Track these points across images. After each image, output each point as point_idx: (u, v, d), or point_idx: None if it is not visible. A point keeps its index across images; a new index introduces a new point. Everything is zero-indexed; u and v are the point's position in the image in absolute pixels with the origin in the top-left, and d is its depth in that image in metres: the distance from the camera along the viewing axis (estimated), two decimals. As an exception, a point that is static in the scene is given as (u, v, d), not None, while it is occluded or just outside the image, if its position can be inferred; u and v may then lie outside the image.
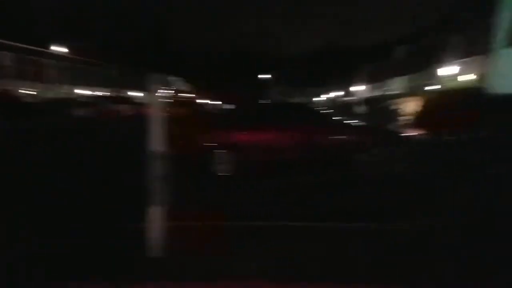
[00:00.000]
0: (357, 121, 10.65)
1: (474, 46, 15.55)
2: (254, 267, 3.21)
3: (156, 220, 3.34)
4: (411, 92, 19.04)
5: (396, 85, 27.46)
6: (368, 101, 22.49)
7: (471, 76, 16.66)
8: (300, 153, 6.99)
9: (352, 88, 43.02)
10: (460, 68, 17.30)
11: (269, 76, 49.44)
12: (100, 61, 40.27)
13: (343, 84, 45.95)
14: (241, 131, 7.40)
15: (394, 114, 16.73)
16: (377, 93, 33.45)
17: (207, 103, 40.30)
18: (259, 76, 54.46)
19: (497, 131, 8.70)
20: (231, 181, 6.70)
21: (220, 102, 37.19)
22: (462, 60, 16.60)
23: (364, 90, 39.89)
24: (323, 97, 51.27)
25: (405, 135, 7.61)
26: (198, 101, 28.68)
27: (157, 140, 3.30)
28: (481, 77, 15.85)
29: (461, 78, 17.02)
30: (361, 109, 20.55)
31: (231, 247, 3.53)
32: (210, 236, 3.87)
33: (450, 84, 13.77)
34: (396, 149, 7.19)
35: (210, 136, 7.58)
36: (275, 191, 5.73)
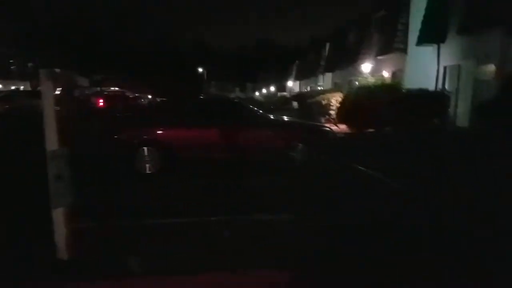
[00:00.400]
0: (286, 117, 10.85)
1: (392, 44, 16.76)
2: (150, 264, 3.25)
3: (59, 222, 3.09)
4: (337, 88, 20.02)
5: (326, 80, 28.72)
6: (298, 97, 23.26)
7: (389, 73, 17.98)
8: (225, 150, 6.97)
9: (287, 84, 44.30)
10: (379, 65, 18.56)
11: (202, 70, 48.82)
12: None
13: (279, 80, 47.06)
14: (164, 126, 7.18)
15: (320, 109, 17.52)
16: (309, 88, 34.77)
17: (139, 97, 38.79)
18: (195, 70, 53.64)
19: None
20: (152, 179, 6.57)
21: (152, 97, 36.05)
22: (382, 56, 17.80)
23: (297, 85, 41.24)
24: (261, 92, 52.12)
25: (327, 130, 7.86)
26: (130, 95, 27.37)
27: (52, 138, 3.04)
28: (397, 73, 17.20)
29: (380, 74, 18.28)
30: (292, 104, 21.08)
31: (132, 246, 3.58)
32: (115, 236, 3.80)
33: (369, 80, 14.71)
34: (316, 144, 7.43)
35: (133, 132, 7.27)
36: (196, 189, 5.70)
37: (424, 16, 14.03)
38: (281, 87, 46.52)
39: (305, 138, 7.34)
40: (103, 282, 3.00)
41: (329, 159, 7.00)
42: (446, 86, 14.20)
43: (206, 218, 4.30)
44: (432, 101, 10.44)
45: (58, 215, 3.09)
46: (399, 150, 7.97)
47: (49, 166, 3.03)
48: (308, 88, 34.99)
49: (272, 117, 7.96)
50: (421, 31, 14.25)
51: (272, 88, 49.33)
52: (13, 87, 35.65)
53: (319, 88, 28.82)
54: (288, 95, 33.06)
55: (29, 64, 41.81)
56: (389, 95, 11.76)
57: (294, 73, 41.47)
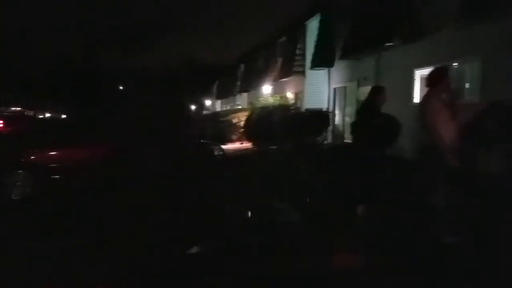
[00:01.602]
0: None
1: (292, 67, 18.12)
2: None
3: None
4: (247, 108, 20.95)
5: (241, 100, 29.75)
6: (212, 116, 23.83)
7: (293, 94, 19.34)
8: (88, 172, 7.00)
9: (210, 103, 44.86)
10: (284, 86, 19.87)
11: (123, 90, 47.37)
12: None
13: (203, 99, 47.38)
14: (39, 148, 7.05)
15: (231, 128, 18.17)
16: (229, 107, 35.62)
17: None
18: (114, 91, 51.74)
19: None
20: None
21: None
22: (286, 78, 19.11)
23: (219, 105, 41.97)
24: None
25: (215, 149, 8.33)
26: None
27: None
28: (299, 94, 18.60)
29: (284, 95, 19.59)
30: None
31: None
32: None
33: (268, 101, 15.79)
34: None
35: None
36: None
37: (315, 42, 15.52)
38: (204, 107, 46.97)
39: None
40: None
41: None
42: (336, 105, 15.78)
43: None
44: (313, 120, 11.55)
45: None
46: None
47: None
48: (228, 107, 35.88)
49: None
50: (313, 56, 15.72)
51: (194, 107, 49.63)
52: None
53: (238, 107, 29.80)
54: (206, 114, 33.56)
55: None
56: (282, 114, 12.74)
57: (215, 92, 42.26)
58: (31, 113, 25.92)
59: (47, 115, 31.04)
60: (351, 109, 14.53)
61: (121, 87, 47.51)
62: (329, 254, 3.84)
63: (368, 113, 5.03)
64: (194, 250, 4.01)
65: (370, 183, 4.89)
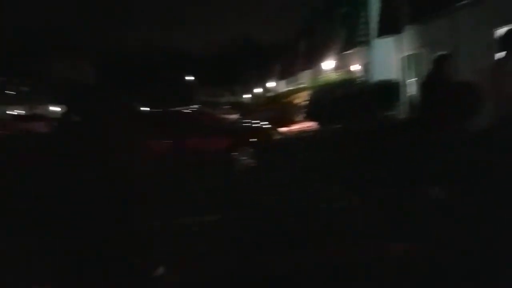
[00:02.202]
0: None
1: (356, 38, 16.95)
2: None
3: None
4: (309, 86, 20.23)
5: (303, 79, 28.91)
6: (275, 97, 23.51)
7: (358, 67, 18.17)
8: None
9: (274, 83, 44.38)
10: (348, 59, 18.76)
11: (190, 77, 49.12)
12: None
13: (267, 80, 47.16)
14: None
15: (294, 109, 17.73)
16: (289, 87, 34.98)
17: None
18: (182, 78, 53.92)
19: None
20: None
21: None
22: (349, 51, 17.99)
23: (279, 86, 41.43)
24: (252, 93, 52.23)
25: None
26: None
27: None
28: (366, 67, 17.39)
29: (349, 69, 18.49)
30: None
31: None
32: None
33: (330, 77, 14.95)
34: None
35: None
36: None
37: (380, 7, 14.24)
38: (269, 87, 46.73)
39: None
40: None
41: None
42: (407, 76, 14.40)
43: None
44: (382, 93, 10.63)
45: None
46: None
47: None
48: (291, 86, 35.21)
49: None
50: (378, 23, 14.46)
51: (260, 90, 49.59)
52: None
53: (301, 86, 29.10)
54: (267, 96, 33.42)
55: None
56: (346, 90, 11.97)
57: (278, 72, 41.70)
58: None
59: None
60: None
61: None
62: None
63: (434, 87, 4.31)
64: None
65: (444, 164, 4.21)
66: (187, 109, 17.27)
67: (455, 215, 3.94)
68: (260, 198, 5.40)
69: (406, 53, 14.17)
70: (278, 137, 8.14)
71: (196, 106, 22.41)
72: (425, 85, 4.70)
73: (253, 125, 9.50)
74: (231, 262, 3.43)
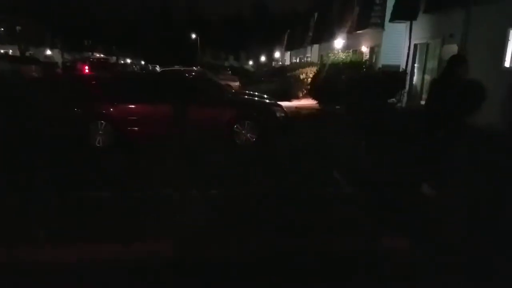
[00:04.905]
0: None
1: (370, 18, 16.76)
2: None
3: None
4: (316, 63, 20.13)
5: (314, 52, 28.63)
6: (279, 70, 23.29)
7: (367, 48, 18.08)
8: (172, 127, 7.18)
9: (279, 54, 43.81)
10: (358, 39, 18.61)
11: (195, 37, 48.12)
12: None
13: (273, 49, 46.43)
14: (120, 101, 7.42)
15: (298, 83, 17.73)
16: (298, 59, 34.62)
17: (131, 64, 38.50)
18: (189, 37, 52.81)
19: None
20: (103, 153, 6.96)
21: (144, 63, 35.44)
22: (361, 31, 17.82)
23: (284, 57, 40.95)
24: (256, 61, 51.51)
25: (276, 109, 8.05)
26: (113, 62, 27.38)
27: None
28: (375, 49, 17.33)
29: (358, 49, 18.40)
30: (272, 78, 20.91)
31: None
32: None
33: (339, 56, 14.89)
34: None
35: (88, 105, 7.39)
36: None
37: (398, -8, 14.05)
38: (274, 57, 46.15)
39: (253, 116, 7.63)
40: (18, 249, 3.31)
41: None
42: (416, 64, 14.47)
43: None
44: (387, 80, 10.75)
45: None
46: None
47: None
48: (297, 59, 34.88)
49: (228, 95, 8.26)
50: (394, 7, 14.32)
51: (264, 58, 48.97)
52: (2, 51, 35.48)
53: (308, 59, 28.83)
54: (272, 68, 33.08)
55: (17, 28, 41.18)
56: (354, 72, 12.04)
57: (285, 42, 40.99)
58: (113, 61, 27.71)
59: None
60: (432, 68, 13.28)
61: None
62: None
63: (446, 86, 4.43)
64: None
65: (444, 155, 4.45)
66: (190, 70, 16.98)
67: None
68: (261, 176, 5.45)
69: (417, 41, 14.17)
70: (281, 113, 8.06)
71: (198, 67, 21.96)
72: (437, 83, 4.73)
73: (256, 98, 9.08)
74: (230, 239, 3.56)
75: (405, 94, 12.91)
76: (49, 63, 28.01)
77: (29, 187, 4.75)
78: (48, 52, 43.04)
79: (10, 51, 36.64)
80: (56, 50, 43.62)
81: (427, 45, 13.71)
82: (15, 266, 3.09)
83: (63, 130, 7.17)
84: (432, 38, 13.20)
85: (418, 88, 14.13)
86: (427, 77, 13.39)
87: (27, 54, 35.44)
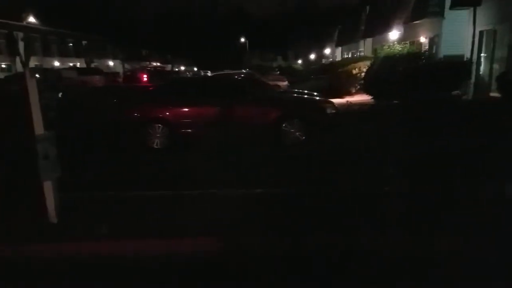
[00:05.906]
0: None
1: (427, 7, 15.82)
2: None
3: (48, 192, 3.87)
4: (370, 56, 19.38)
5: (367, 46, 27.66)
6: (329, 66, 22.73)
7: (427, 38, 17.08)
8: (227, 127, 7.32)
9: (329, 50, 42.84)
10: (416, 30, 17.66)
11: (244, 40, 48.74)
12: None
13: (322, 46, 45.58)
14: (172, 104, 7.69)
15: (350, 79, 17.18)
16: (350, 55, 33.63)
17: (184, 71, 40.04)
18: (237, 40, 53.61)
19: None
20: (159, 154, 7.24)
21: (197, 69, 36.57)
22: (419, 21, 16.89)
23: (335, 53, 39.93)
24: (305, 59, 50.94)
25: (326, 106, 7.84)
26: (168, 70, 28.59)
27: (38, 123, 3.75)
28: (435, 39, 16.29)
29: (417, 40, 17.45)
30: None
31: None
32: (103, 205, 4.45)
33: (395, 48, 14.14)
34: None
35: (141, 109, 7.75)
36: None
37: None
38: (324, 54, 45.25)
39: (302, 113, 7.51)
40: (85, 243, 3.57)
41: None
42: (482, 52, 13.35)
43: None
44: (449, 71, 9.99)
45: (47, 187, 3.87)
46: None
47: (38, 148, 3.78)
48: (349, 55, 33.88)
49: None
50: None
51: (313, 56, 48.17)
52: (71, 64, 38.67)
53: (360, 54, 27.94)
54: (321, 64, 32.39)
55: (83, 42, 44.58)
56: (411, 64, 11.39)
57: (336, 38, 39.98)
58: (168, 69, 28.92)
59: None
60: (501, 57, 12.16)
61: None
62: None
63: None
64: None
65: None
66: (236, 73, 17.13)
67: None
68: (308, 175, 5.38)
69: (483, 28, 13.06)
70: (332, 109, 7.82)
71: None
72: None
73: (305, 96, 8.94)
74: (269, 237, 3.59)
75: (472, 86, 11.94)
76: (111, 73, 30.09)
77: (97, 185, 5.06)
78: (111, 62, 46.17)
79: (78, 63, 39.85)
80: (117, 61, 46.59)
81: (494, 31, 12.59)
82: (78, 261, 3.38)
83: (125, 133, 7.61)
84: (500, 23, 12.09)
85: (486, 78, 13.02)
86: (496, 67, 12.31)
87: (92, 65, 38.24)
